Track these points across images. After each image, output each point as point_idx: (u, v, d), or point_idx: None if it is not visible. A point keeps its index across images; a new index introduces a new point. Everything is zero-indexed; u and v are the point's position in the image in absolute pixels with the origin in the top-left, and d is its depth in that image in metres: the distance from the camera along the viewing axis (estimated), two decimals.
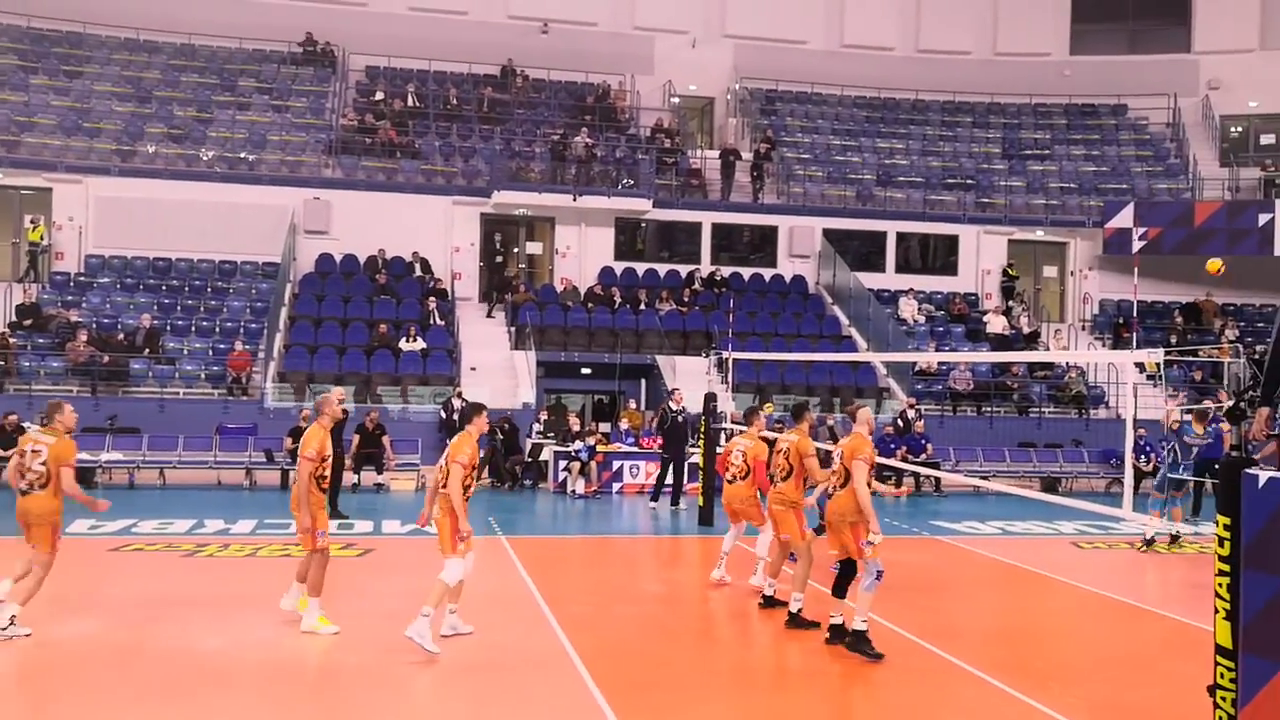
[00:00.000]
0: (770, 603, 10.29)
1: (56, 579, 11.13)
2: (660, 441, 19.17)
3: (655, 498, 18.63)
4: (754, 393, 23.59)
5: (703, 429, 16.46)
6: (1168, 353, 21.59)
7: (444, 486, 8.79)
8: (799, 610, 9.51)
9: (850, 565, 8.89)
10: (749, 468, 10.76)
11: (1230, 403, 6.00)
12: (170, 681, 7.58)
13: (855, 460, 8.73)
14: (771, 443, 10.79)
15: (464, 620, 8.90)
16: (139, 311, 23.38)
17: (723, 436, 15.81)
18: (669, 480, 18.43)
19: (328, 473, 9.16)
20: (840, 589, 8.95)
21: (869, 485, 8.74)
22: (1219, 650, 5.56)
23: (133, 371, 21.94)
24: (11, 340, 21.81)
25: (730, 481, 10.95)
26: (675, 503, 18.10)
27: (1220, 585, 5.52)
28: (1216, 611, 5.55)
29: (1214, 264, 11.20)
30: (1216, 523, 5.60)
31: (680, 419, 18.54)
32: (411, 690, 7.70)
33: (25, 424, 18.86)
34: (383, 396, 22.52)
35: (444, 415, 21.65)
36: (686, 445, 18.48)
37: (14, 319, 22.65)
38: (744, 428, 11.31)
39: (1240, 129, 33.50)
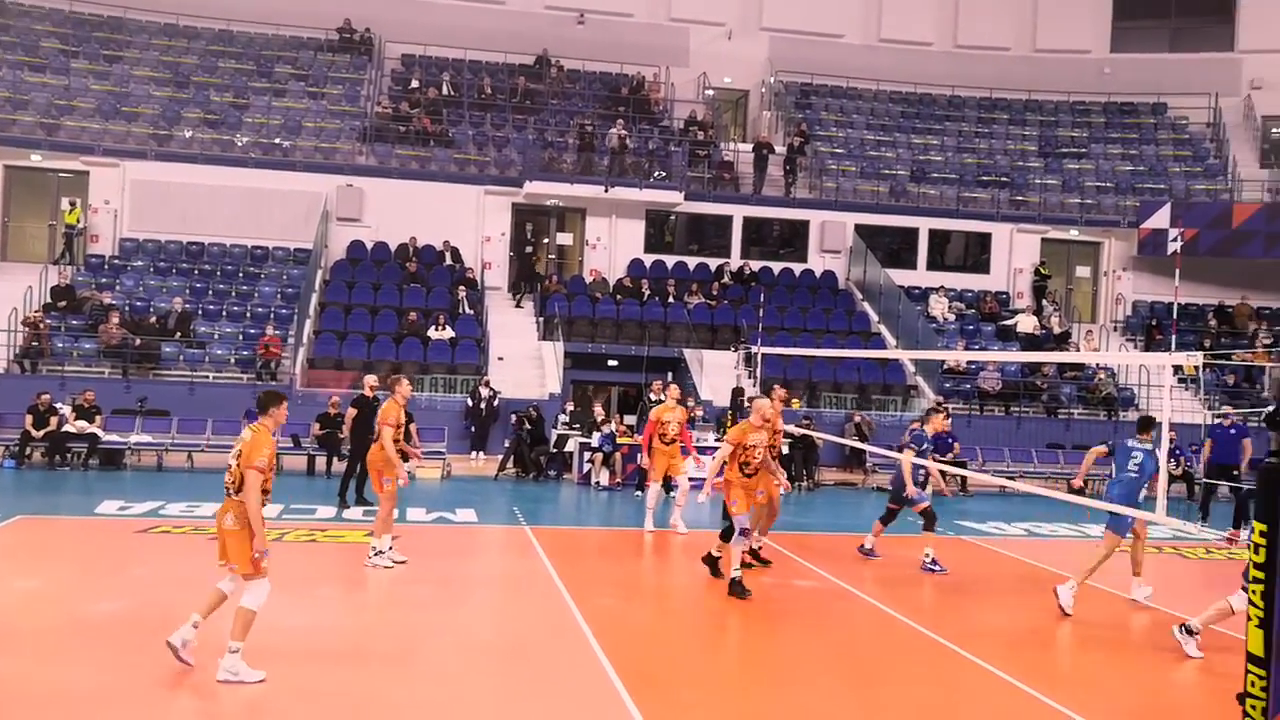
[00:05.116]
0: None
1: (84, 559, 11.27)
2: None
3: (640, 487, 18.50)
4: (781, 388, 23.48)
5: (729, 423, 16.41)
6: (1204, 356, 21.33)
7: (238, 493, 7.31)
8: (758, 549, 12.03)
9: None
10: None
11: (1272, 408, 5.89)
12: (196, 662, 7.61)
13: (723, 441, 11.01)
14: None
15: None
16: (171, 295, 23.57)
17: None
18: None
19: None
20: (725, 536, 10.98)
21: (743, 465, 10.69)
22: (1250, 658, 5.46)
23: (164, 354, 22.11)
24: (45, 322, 22.03)
25: None
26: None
27: (1254, 592, 5.42)
28: (1249, 619, 5.45)
29: None
30: (1252, 528, 5.50)
31: None
32: (438, 676, 7.71)
33: (57, 404, 19.14)
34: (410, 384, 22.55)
35: (471, 404, 21.72)
36: None
37: (48, 300, 22.88)
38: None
39: None
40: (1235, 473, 17.68)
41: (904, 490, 12.51)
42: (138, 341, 21.91)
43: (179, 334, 22.44)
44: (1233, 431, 17.87)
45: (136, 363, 21.83)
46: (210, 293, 24.63)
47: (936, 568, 12.35)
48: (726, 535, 10.90)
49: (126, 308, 22.95)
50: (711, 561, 11.31)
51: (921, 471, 12.57)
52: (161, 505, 14.62)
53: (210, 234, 25.94)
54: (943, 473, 20.64)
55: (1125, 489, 10.76)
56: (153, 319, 22.75)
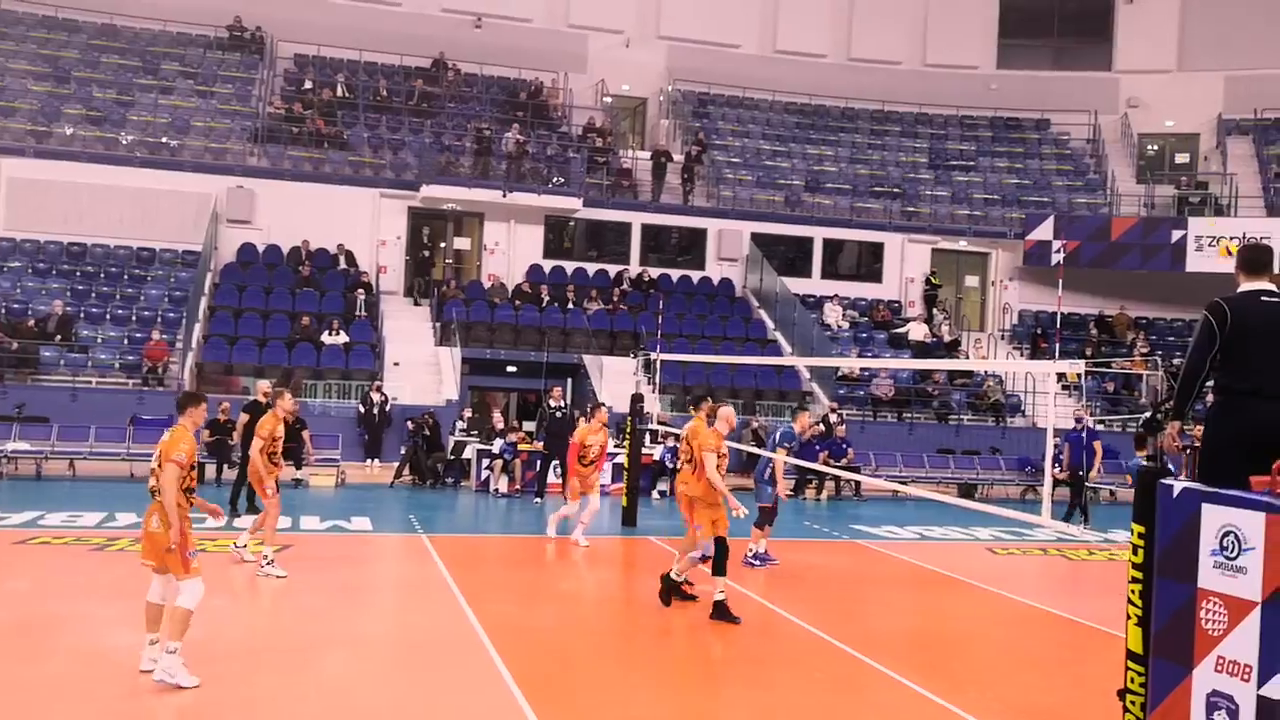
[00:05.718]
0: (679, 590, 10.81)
1: None
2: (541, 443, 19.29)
3: (540, 494, 18.70)
4: (680, 394, 23.67)
5: (629, 429, 16.45)
6: (1086, 364, 22.10)
7: (158, 493, 7.30)
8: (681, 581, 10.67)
9: (722, 543, 9.91)
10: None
11: (1147, 414, 6.13)
12: (78, 678, 7.36)
13: (705, 451, 10.03)
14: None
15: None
16: (51, 297, 22.73)
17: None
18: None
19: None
20: (718, 568, 9.87)
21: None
22: (1130, 655, 5.67)
23: (43, 359, 21.31)
24: None
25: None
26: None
27: (1133, 591, 5.63)
28: (1129, 617, 5.65)
29: None
30: (1130, 530, 5.71)
31: (559, 415, 18.64)
32: (331, 684, 7.57)
33: None
34: (303, 390, 22.15)
35: (363, 410, 21.40)
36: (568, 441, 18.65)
37: None
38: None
39: (1156, 147, 34.43)
40: (1080, 474, 18.72)
41: (773, 488, 12.96)
42: (14, 345, 21.09)
43: (59, 338, 21.65)
44: (1084, 435, 19.02)
45: (13, 367, 20.99)
46: (93, 295, 23.81)
47: (757, 562, 12.82)
48: (718, 569, 9.90)
49: (3, 310, 22.07)
50: (719, 607, 9.91)
51: (775, 468, 12.98)
52: (40, 515, 14.10)
53: (93, 234, 25.06)
54: (836, 478, 21.20)
55: None
56: (31, 322, 21.92)
